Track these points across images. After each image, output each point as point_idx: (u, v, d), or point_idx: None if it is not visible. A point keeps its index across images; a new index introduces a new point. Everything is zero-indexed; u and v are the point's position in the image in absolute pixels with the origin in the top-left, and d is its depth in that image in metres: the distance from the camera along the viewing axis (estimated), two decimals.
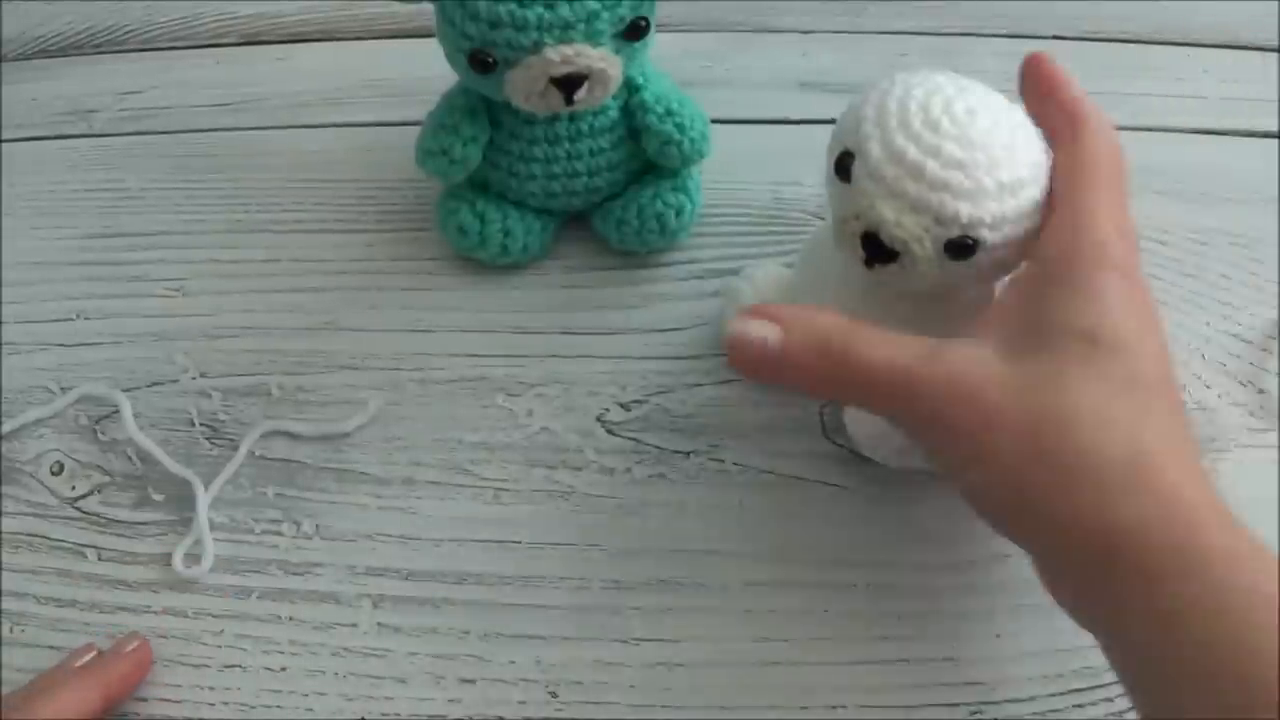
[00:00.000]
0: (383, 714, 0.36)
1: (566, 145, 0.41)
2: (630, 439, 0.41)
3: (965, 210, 0.29)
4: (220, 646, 0.37)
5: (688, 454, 0.40)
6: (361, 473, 0.40)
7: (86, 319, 0.45)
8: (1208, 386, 0.41)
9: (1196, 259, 0.44)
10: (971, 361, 0.28)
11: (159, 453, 0.40)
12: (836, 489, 0.39)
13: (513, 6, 0.35)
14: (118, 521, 0.40)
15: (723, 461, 0.40)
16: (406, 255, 0.45)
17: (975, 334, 0.30)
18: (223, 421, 0.42)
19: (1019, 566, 0.37)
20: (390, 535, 0.39)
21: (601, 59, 0.36)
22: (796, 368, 0.30)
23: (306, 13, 0.54)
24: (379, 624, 0.38)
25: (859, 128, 0.31)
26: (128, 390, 0.42)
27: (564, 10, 0.35)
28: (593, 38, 0.36)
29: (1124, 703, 0.35)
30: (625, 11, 0.36)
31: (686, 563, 0.38)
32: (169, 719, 0.36)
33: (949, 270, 0.30)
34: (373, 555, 0.39)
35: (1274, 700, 0.24)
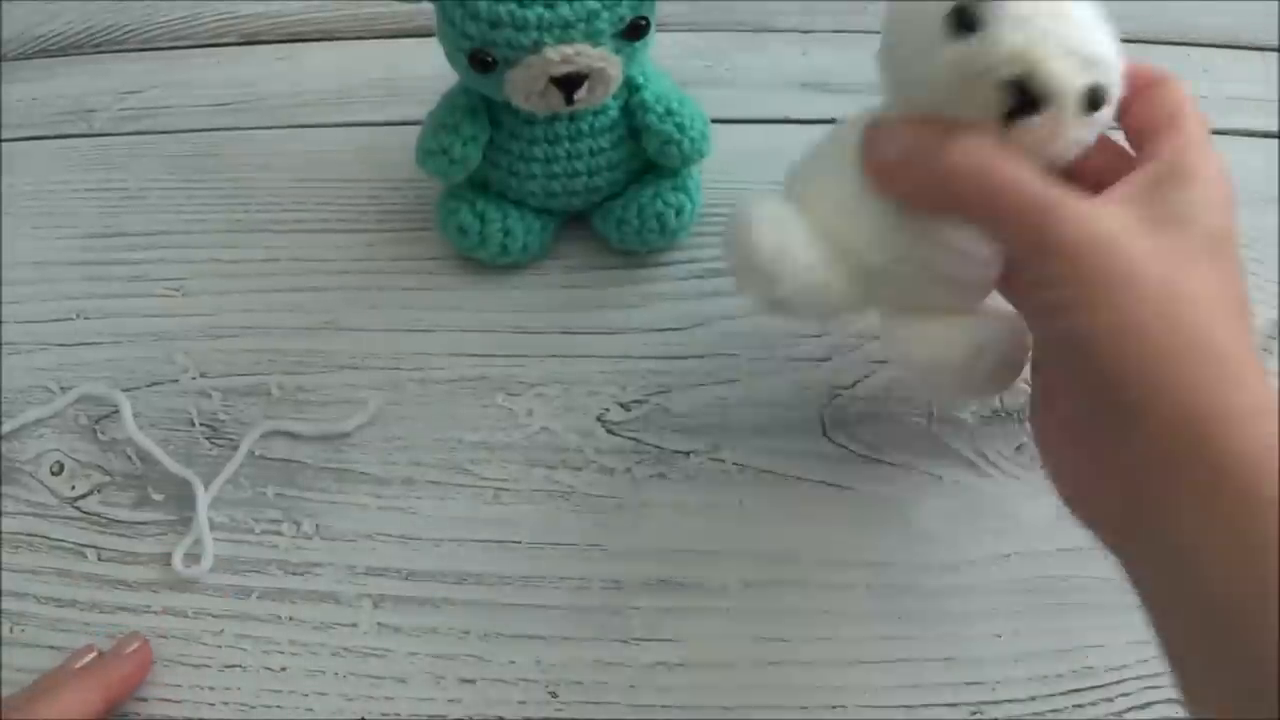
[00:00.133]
0: (383, 714, 0.36)
1: (566, 145, 0.41)
2: (630, 439, 0.41)
3: (1106, 53, 0.29)
4: (220, 646, 0.37)
5: (688, 454, 0.40)
6: (361, 473, 0.40)
7: (86, 319, 0.45)
8: None
9: None
10: (1114, 217, 0.28)
11: (159, 453, 0.40)
12: (836, 489, 0.39)
13: (513, 6, 0.35)
14: (118, 521, 0.40)
15: (723, 461, 0.40)
16: (407, 255, 0.45)
17: (969, 306, 0.32)
18: (223, 421, 0.42)
19: (1019, 566, 0.38)
20: (390, 535, 0.39)
21: (601, 58, 0.36)
22: (953, 174, 0.30)
23: (306, 13, 0.54)
24: (379, 624, 0.38)
25: None
26: (128, 390, 0.42)
27: (564, 10, 0.35)
28: (593, 37, 0.36)
29: (1124, 703, 0.35)
30: (625, 11, 0.36)
31: (686, 563, 0.38)
32: (169, 719, 0.36)
33: (1076, 130, 0.30)
34: (373, 555, 0.39)
35: None
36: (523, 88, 0.37)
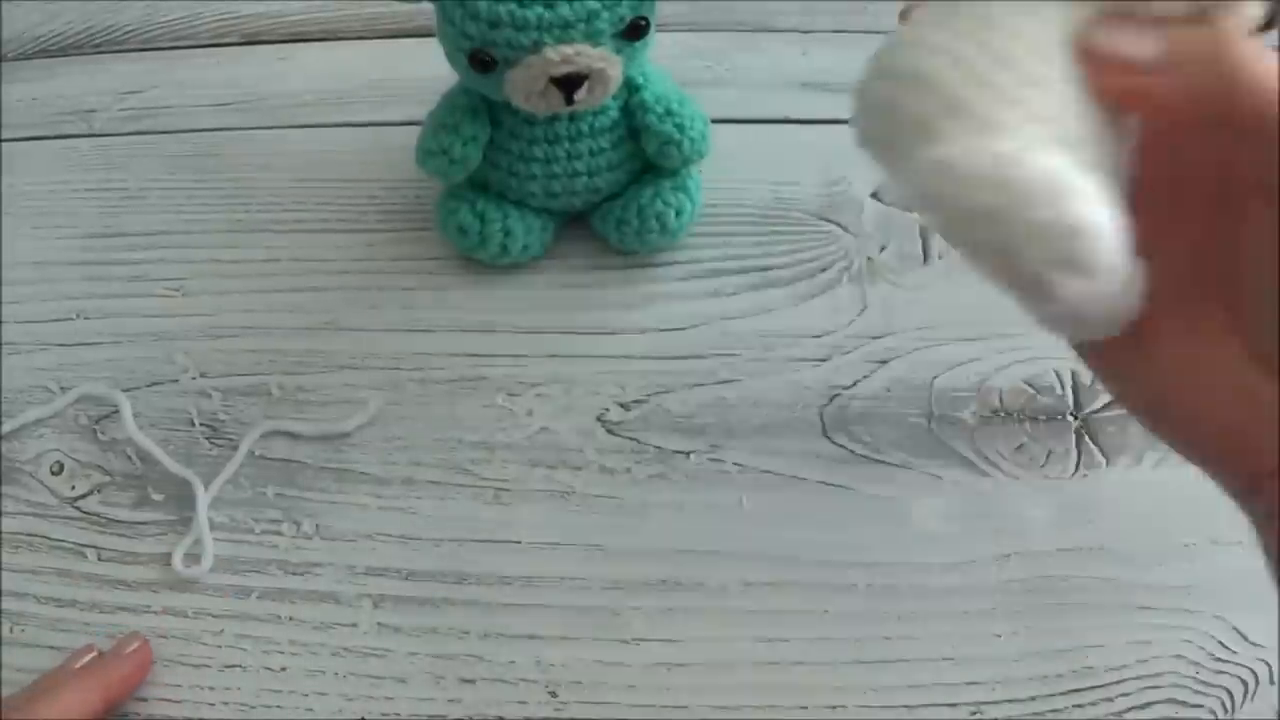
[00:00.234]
0: (383, 714, 0.36)
1: (566, 145, 0.41)
2: (630, 439, 0.41)
3: None
4: (220, 646, 0.37)
5: (688, 454, 0.40)
6: (361, 473, 0.40)
7: (86, 319, 0.45)
8: None
9: None
10: None
11: (159, 453, 0.40)
12: (836, 489, 0.39)
13: (513, 6, 0.35)
14: (118, 521, 0.40)
15: (723, 461, 0.40)
16: (407, 255, 0.45)
17: None
18: (223, 421, 0.42)
19: (1019, 566, 0.38)
20: (390, 535, 0.39)
21: (601, 59, 0.36)
22: (1240, 84, 0.25)
23: (307, 13, 0.54)
24: (379, 624, 0.38)
25: None
26: (128, 390, 0.42)
27: (564, 10, 0.35)
28: (593, 37, 0.36)
29: (1124, 703, 0.35)
30: (625, 11, 0.36)
31: (686, 563, 0.38)
32: (169, 719, 0.36)
33: None
34: (373, 555, 0.39)
35: None
36: (523, 88, 0.37)
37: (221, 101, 0.51)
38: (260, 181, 0.48)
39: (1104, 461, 0.39)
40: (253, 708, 0.36)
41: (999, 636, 0.37)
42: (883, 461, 0.40)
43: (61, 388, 0.43)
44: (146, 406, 0.42)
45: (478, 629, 0.37)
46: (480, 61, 0.37)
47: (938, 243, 0.44)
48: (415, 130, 0.42)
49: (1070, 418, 0.40)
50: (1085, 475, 0.39)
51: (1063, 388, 0.41)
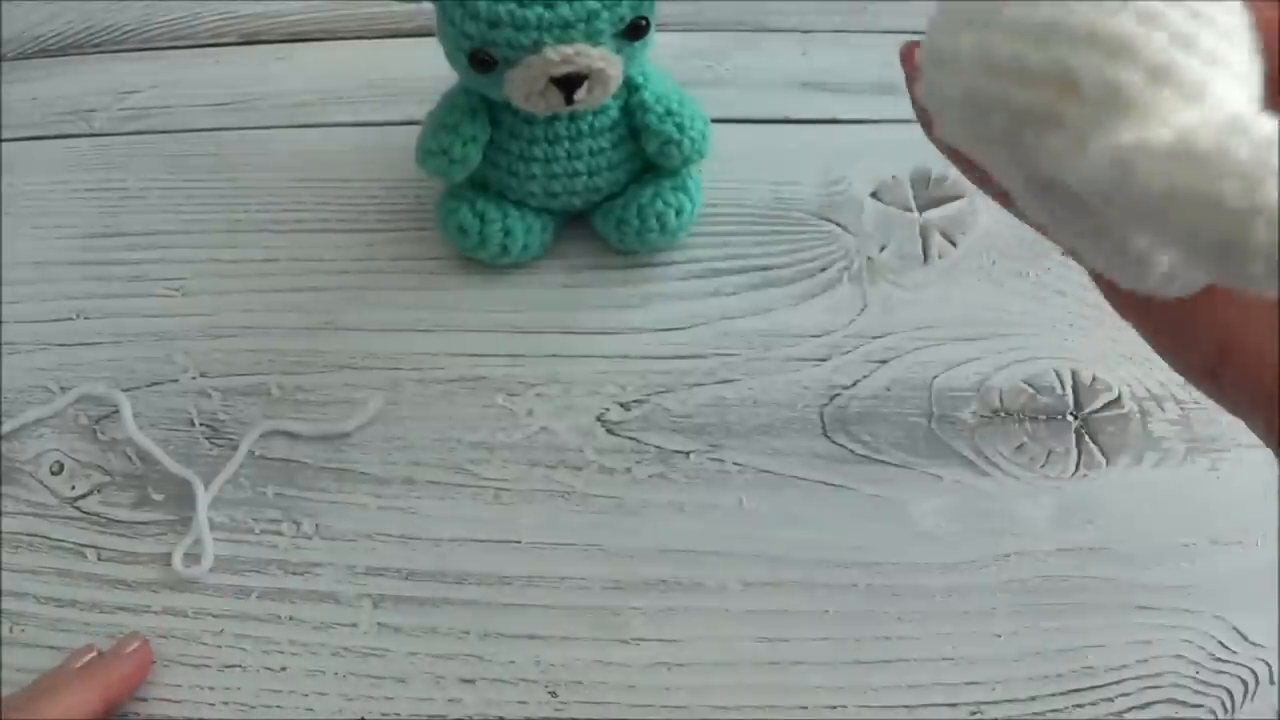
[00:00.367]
0: (383, 714, 0.36)
1: (566, 145, 0.41)
2: (630, 439, 0.41)
3: None
4: (220, 646, 0.37)
5: (688, 454, 0.40)
6: (361, 473, 0.40)
7: (86, 319, 0.45)
8: None
9: None
10: None
11: (159, 452, 0.40)
12: (836, 489, 0.39)
13: (513, 6, 0.35)
14: (118, 521, 0.40)
15: (723, 461, 0.40)
16: (407, 255, 0.45)
17: None
18: (223, 421, 0.42)
19: (1019, 566, 0.38)
20: (390, 535, 0.39)
21: (601, 58, 0.36)
22: None
23: (306, 13, 0.54)
24: (379, 624, 0.38)
25: None
26: (128, 390, 0.42)
27: (564, 10, 0.35)
28: (593, 37, 0.36)
29: (1124, 703, 0.35)
30: (625, 11, 0.36)
31: (686, 563, 0.38)
32: (169, 719, 0.36)
33: None
34: (373, 555, 0.39)
35: None
36: (523, 88, 0.37)
37: (221, 101, 0.51)
38: (259, 181, 0.48)
39: (1104, 461, 0.39)
40: (253, 708, 0.36)
41: (999, 636, 0.37)
42: (883, 461, 0.40)
43: (61, 388, 0.43)
44: (146, 406, 0.42)
45: (478, 629, 0.37)
46: (480, 61, 0.37)
47: (937, 243, 0.44)
48: (415, 130, 0.42)
49: (1070, 418, 0.40)
50: (1085, 475, 0.39)
51: (1063, 388, 0.41)
